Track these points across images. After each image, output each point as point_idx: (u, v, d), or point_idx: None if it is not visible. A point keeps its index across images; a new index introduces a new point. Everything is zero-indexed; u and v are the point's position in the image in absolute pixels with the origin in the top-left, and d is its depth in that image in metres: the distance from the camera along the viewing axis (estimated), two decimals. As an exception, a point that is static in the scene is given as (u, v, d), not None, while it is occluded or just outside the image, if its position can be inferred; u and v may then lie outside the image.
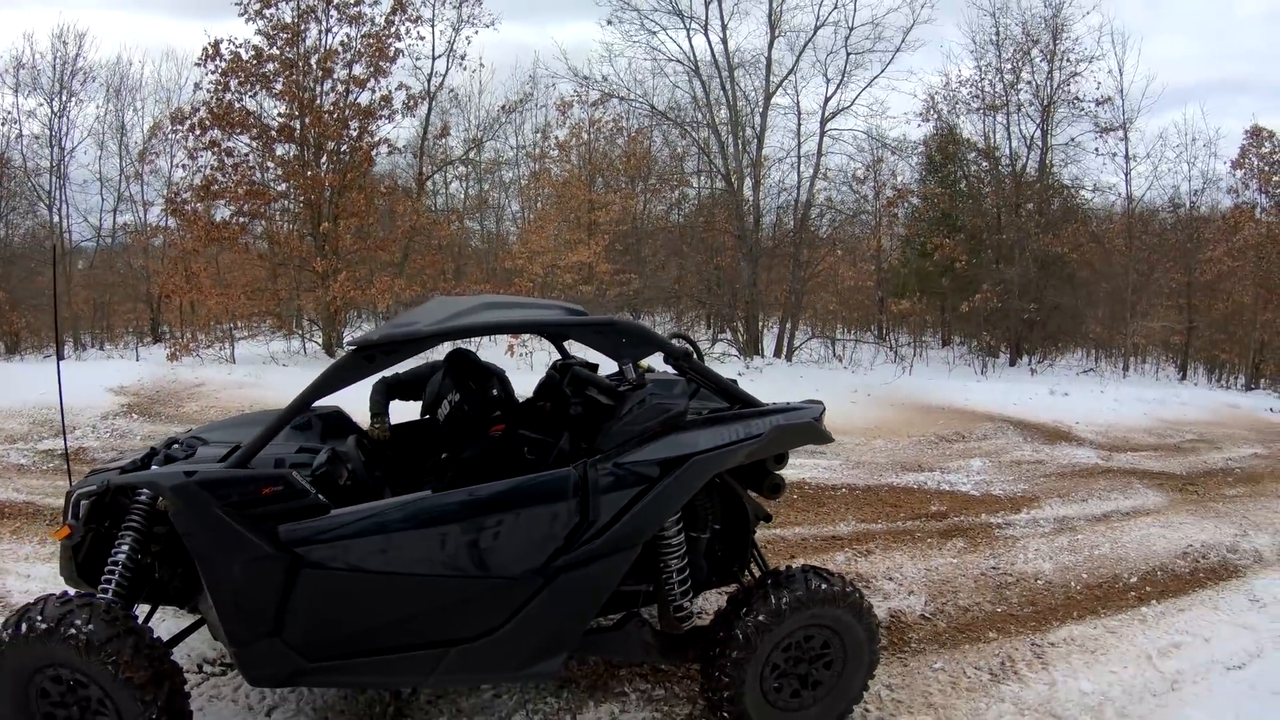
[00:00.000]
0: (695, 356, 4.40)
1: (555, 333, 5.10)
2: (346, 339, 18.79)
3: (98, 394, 12.86)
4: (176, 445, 4.30)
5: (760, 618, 3.92)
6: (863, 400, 13.66)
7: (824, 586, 4.04)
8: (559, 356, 5.36)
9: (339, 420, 4.71)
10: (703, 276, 21.93)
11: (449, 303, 4.50)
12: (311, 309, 18.90)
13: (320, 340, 18.67)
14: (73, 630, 3.45)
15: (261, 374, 14.96)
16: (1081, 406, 14.25)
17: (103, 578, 3.81)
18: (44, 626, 3.46)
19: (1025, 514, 8.09)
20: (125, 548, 3.85)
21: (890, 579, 6.32)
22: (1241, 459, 11.23)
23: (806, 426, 4.23)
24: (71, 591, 3.85)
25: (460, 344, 5.30)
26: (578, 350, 5.25)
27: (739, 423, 4.08)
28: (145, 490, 3.86)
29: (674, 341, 4.33)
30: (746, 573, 4.64)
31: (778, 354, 19.99)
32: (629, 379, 4.17)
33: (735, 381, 4.52)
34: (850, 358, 20.68)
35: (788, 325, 20.48)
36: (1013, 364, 21.68)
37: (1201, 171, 23.59)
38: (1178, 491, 9.16)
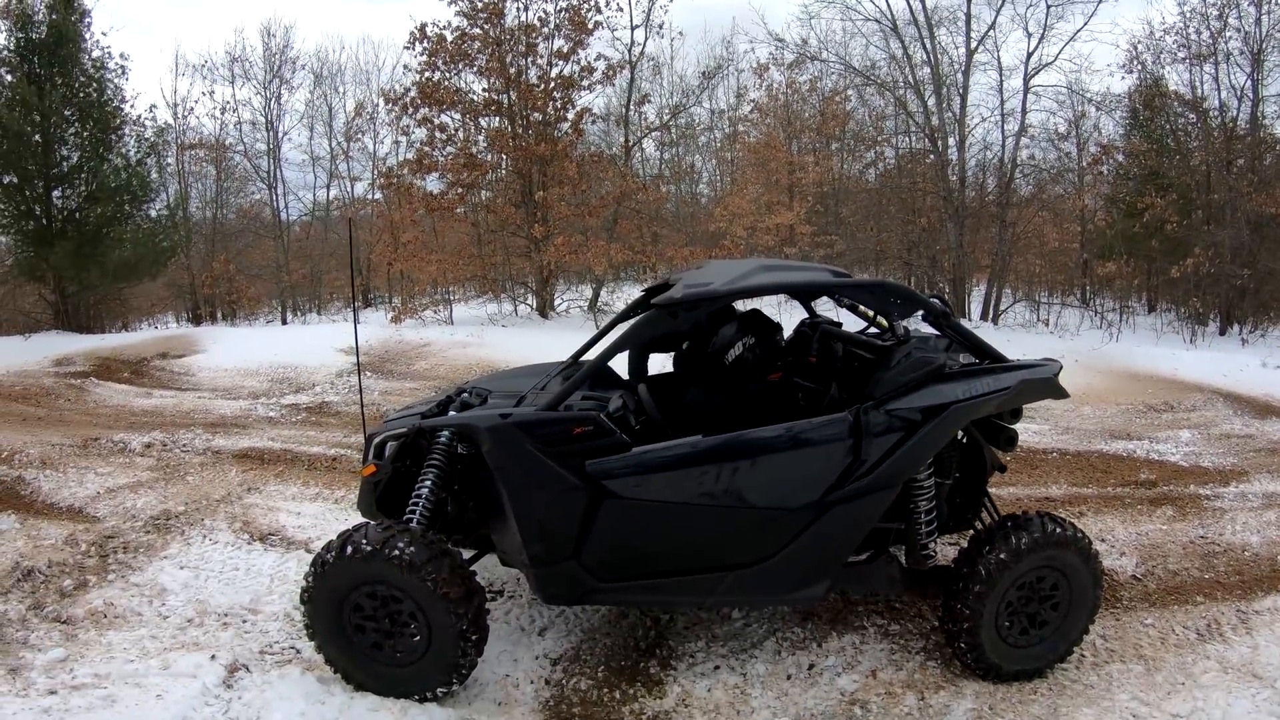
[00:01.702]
0: (951, 316, 4.71)
1: (819, 293, 5.50)
2: (558, 302, 19.59)
3: (329, 354, 13.72)
4: (466, 394, 4.82)
5: (1001, 555, 4.25)
6: (1070, 366, 13.02)
7: (1058, 531, 4.35)
8: (806, 315, 5.69)
9: (607, 373, 5.12)
10: (904, 237, 21.73)
11: (729, 265, 4.92)
12: (526, 273, 19.66)
13: (533, 303, 19.41)
14: (395, 551, 3.91)
15: (481, 334, 15.72)
16: (1294, 381, 13.59)
17: (408, 509, 4.29)
18: (369, 548, 3.92)
19: (1234, 487, 7.93)
20: (429, 483, 4.34)
21: (1102, 540, 6.43)
22: None
23: (1048, 382, 4.56)
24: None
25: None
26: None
27: (989, 376, 4.41)
28: (445, 432, 4.41)
29: (934, 301, 4.67)
30: (980, 521, 4.97)
31: (984, 317, 19.75)
32: (897, 334, 4.55)
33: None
34: (1056, 322, 20.13)
35: (993, 288, 20.16)
36: (1223, 333, 20.59)
37: None
38: None
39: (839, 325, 5.06)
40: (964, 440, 4.84)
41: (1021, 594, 4.37)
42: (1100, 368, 13.77)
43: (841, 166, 23.78)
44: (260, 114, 25.16)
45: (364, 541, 3.95)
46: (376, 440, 4.58)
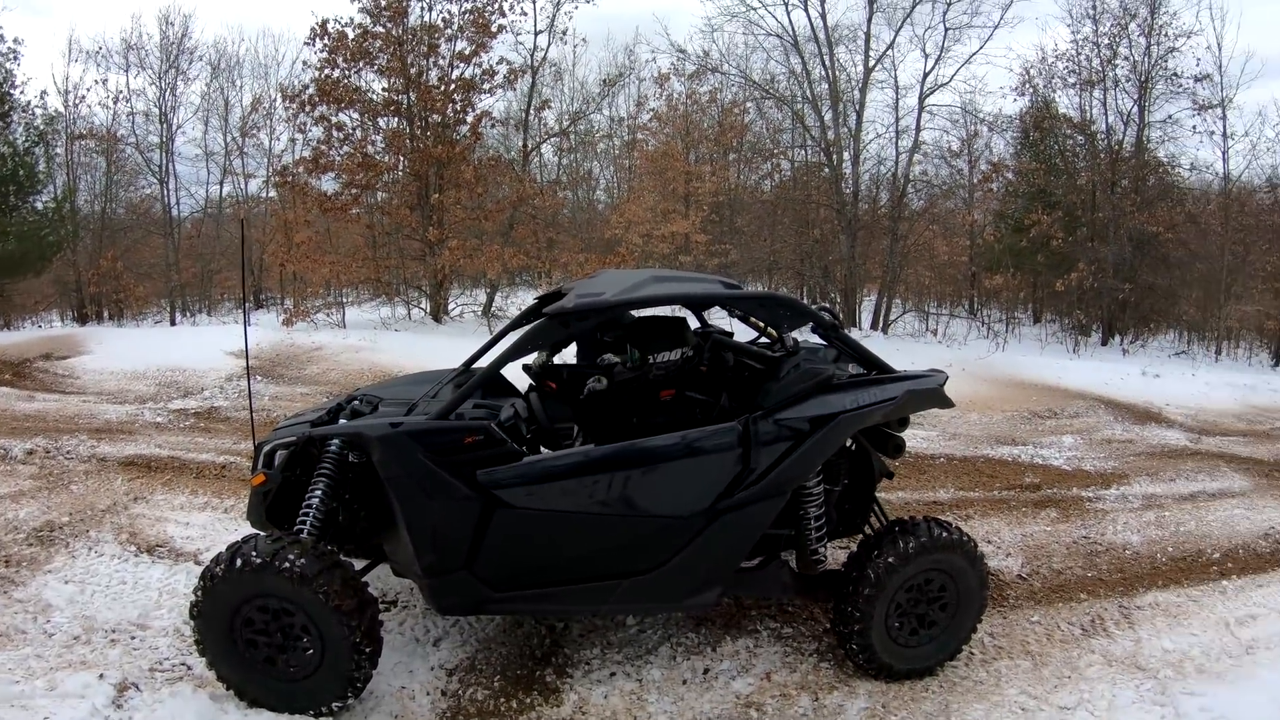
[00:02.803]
0: (840, 328, 4.83)
1: (711, 304, 5.50)
2: (452, 307, 19.39)
3: (219, 358, 13.30)
4: (357, 402, 4.74)
5: (889, 559, 4.39)
6: (957, 374, 13.50)
7: (944, 535, 4.50)
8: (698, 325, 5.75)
9: (499, 381, 5.14)
10: (798, 248, 22.09)
11: (622, 275, 4.96)
12: (420, 277, 19.46)
13: (427, 307, 19.19)
14: (286, 564, 3.84)
15: (375, 339, 15.47)
16: (1172, 388, 14.13)
17: (298, 519, 4.22)
18: (258, 561, 3.84)
19: (1115, 490, 8.25)
20: (319, 492, 4.27)
21: (989, 541, 6.64)
22: None
23: (934, 392, 4.71)
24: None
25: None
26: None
27: (876, 386, 4.54)
28: (335, 441, 4.34)
29: (822, 313, 4.78)
30: (869, 526, 5.10)
31: (874, 327, 20.15)
32: (786, 346, 4.63)
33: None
34: (944, 332, 20.74)
35: (884, 298, 20.62)
36: (1105, 343, 21.46)
37: (1301, 151, 22.86)
38: (1264, 477, 9.16)
39: (731, 335, 5.12)
40: (853, 448, 4.96)
41: (910, 596, 4.50)
42: (987, 376, 14.17)
43: (738, 177, 24.11)
44: (154, 105, 24.37)
45: (253, 554, 3.88)
46: (266, 449, 4.50)
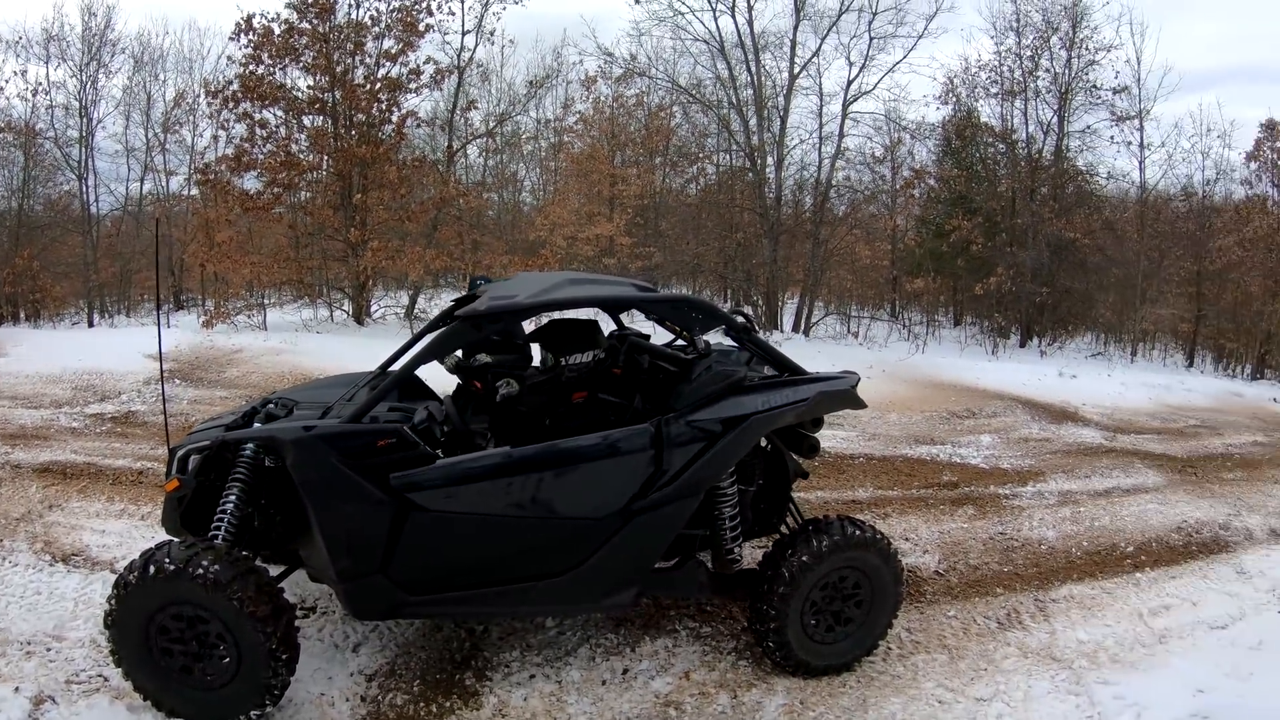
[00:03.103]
0: (752, 330, 4.91)
1: (623, 306, 5.62)
2: (374, 309, 19.18)
3: (138, 360, 12.95)
4: (272, 405, 4.71)
5: (804, 558, 4.48)
6: (878, 375, 13.90)
7: (857, 533, 4.61)
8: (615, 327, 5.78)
9: (414, 383, 5.15)
10: (721, 252, 22.30)
11: (536, 278, 5.00)
12: (342, 278, 19.20)
13: (349, 309, 18.96)
14: (200, 570, 3.81)
15: (296, 341, 15.22)
16: (1088, 388, 14.45)
17: (213, 525, 4.19)
18: (172, 568, 3.82)
19: (1031, 487, 8.45)
20: (234, 497, 4.24)
21: (906, 539, 6.80)
22: (1242, 445, 11.47)
23: (845, 393, 4.80)
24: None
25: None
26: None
27: (788, 388, 4.62)
28: (250, 445, 4.30)
29: (735, 316, 4.86)
30: (785, 525, 5.18)
31: (795, 329, 20.33)
32: (698, 348, 4.68)
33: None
34: (865, 334, 21.02)
35: (806, 301, 20.85)
36: (1023, 345, 21.98)
37: (1215, 162, 23.80)
38: (1177, 473, 9.45)
39: (648, 338, 5.17)
40: (768, 448, 5.04)
41: (825, 593, 4.59)
42: (906, 377, 14.36)
43: (663, 181, 24.21)
44: (75, 98, 23.69)
45: (167, 560, 3.85)
46: (180, 454, 4.45)
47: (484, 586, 4.32)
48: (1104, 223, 23.09)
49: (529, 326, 5.37)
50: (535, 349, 5.09)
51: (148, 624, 3.90)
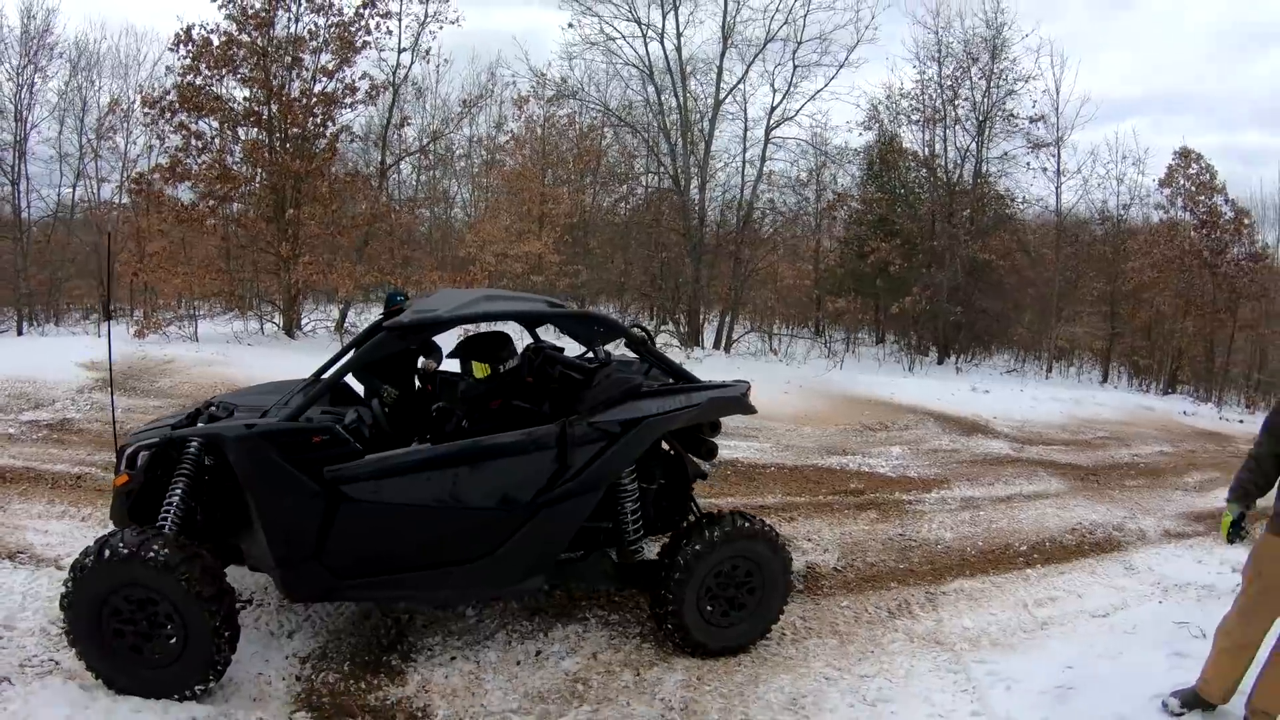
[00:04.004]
0: (649, 343, 5.38)
1: (537, 321, 6.06)
2: (305, 322, 19.28)
3: (70, 369, 12.95)
4: (214, 408, 5.09)
5: (697, 548, 4.96)
6: (794, 390, 14.40)
7: (746, 525, 5.11)
8: (531, 340, 6.23)
9: (345, 389, 5.60)
10: (647, 270, 22.83)
11: (456, 294, 5.46)
12: (273, 291, 19.29)
13: (280, 321, 19.03)
14: (151, 554, 4.14)
15: (227, 352, 15.34)
16: (1001, 403, 15.06)
17: (160, 516, 4.50)
18: (125, 551, 4.14)
19: (935, 493, 8.97)
20: (179, 491, 4.57)
21: (809, 539, 7.28)
22: (1147, 455, 12.12)
23: (736, 399, 5.30)
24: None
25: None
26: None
27: (682, 394, 5.12)
28: (194, 443, 4.65)
29: (634, 330, 5.32)
30: (686, 522, 5.62)
31: (717, 346, 20.87)
32: (599, 359, 5.16)
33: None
34: (786, 352, 21.53)
35: (727, 319, 21.40)
36: (940, 362, 22.74)
37: (1129, 187, 24.88)
38: (1080, 480, 10.03)
39: (561, 350, 5.64)
40: (671, 451, 5.52)
41: (719, 581, 5.07)
42: (823, 392, 14.86)
43: (593, 200, 24.55)
44: (10, 101, 23.37)
45: (121, 545, 4.17)
46: (128, 451, 4.79)
47: (407, 571, 4.74)
48: (1019, 244, 23.94)
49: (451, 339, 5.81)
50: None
51: (101, 605, 4.19)
